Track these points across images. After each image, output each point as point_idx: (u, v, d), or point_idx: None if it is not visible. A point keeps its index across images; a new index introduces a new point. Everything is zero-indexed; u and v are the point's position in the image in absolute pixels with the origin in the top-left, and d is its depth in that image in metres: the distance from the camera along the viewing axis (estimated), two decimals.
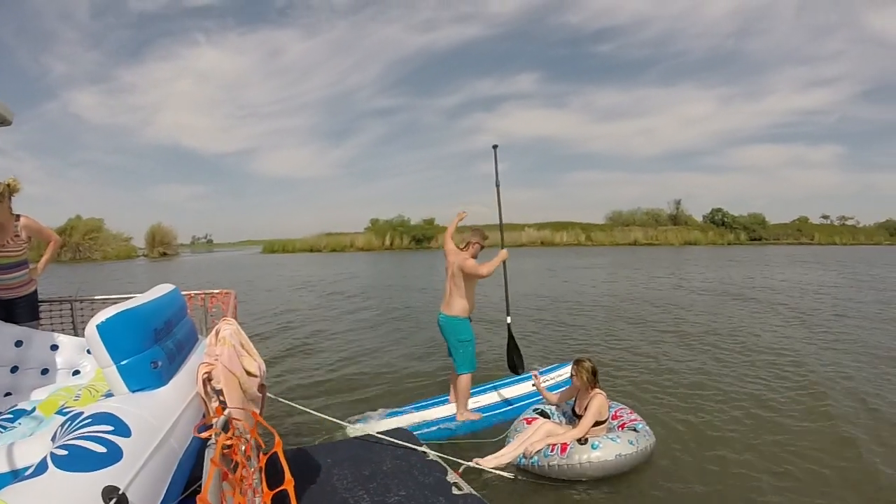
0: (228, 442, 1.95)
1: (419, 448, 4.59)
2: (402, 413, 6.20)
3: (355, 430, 5.03)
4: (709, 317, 13.52)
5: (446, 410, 6.27)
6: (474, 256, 6.08)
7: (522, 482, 4.66)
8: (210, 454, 2.00)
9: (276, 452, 2.15)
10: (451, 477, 4.10)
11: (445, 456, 4.55)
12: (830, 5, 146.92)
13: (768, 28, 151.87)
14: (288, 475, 2.00)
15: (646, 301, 16.69)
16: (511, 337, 6.49)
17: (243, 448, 2.16)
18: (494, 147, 6.85)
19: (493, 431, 5.76)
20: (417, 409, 6.34)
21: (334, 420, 5.25)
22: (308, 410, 5.40)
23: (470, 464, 4.63)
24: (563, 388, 5.78)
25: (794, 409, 6.42)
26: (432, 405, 6.43)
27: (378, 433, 4.85)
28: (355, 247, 71.10)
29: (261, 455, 2.23)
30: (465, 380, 6.00)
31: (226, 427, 2.16)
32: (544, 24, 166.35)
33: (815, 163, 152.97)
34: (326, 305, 16.49)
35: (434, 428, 5.81)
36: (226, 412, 2.31)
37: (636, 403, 6.39)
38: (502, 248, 6.19)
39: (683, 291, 19.47)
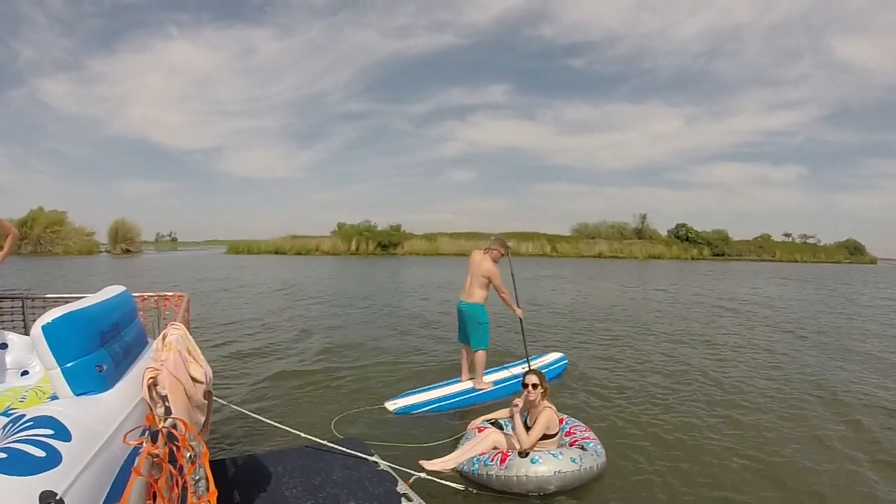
0: (156, 451, 1.93)
1: (370, 458, 4.59)
2: (420, 392, 7.31)
3: (307, 438, 5.00)
4: (678, 329, 13.82)
5: (461, 386, 7.51)
6: (495, 260, 7.38)
7: (472, 494, 4.63)
8: (135, 462, 1.99)
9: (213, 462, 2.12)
10: (401, 487, 4.10)
11: (396, 466, 4.54)
12: (799, 31, 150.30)
13: (736, 50, 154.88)
14: (212, 486, 1.99)
15: (613, 312, 16.92)
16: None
17: (176, 456, 2.14)
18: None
19: (447, 432, 5.91)
20: (436, 387, 7.49)
21: (286, 428, 5.20)
22: (260, 418, 5.36)
23: (420, 475, 4.63)
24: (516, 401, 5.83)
25: (763, 430, 6.42)
26: (450, 384, 7.61)
27: (329, 443, 4.84)
28: (321, 250, 70.96)
29: (188, 465, 2.21)
30: (481, 355, 7.39)
31: (155, 436, 2.14)
32: (518, 36, 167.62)
33: (779, 182, 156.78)
34: (288, 310, 16.31)
35: (457, 399, 7.12)
36: (166, 422, 2.29)
37: (598, 420, 6.43)
38: (518, 307, 7.57)
39: (650, 303, 19.77)
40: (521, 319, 7.59)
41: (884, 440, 6.15)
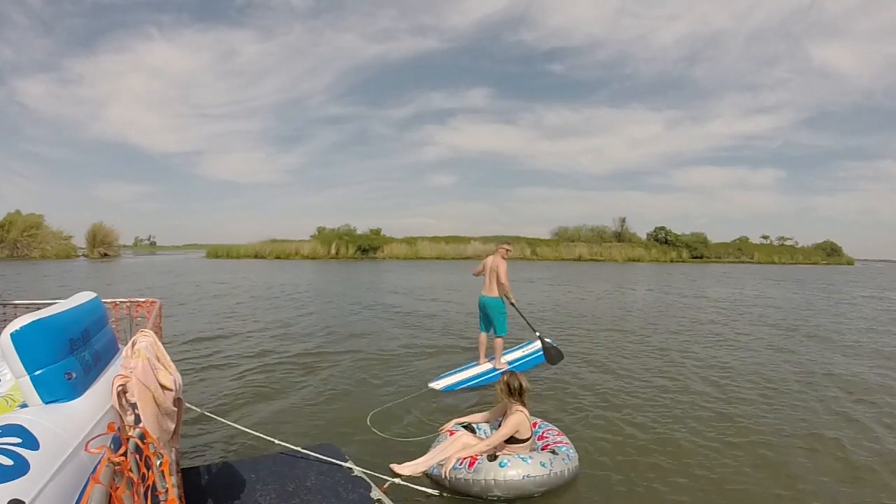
0: (117, 459, 1.93)
1: (344, 464, 4.59)
2: (455, 372, 8.64)
3: (281, 445, 4.98)
4: (657, 327, 13.86)
5: (481, 368, 8.79)
6: (504, 258, 8.77)
7: (447, 499, 4.64)
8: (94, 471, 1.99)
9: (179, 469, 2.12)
10: (375, 493, 4.12)
11: (370, 472, 4.55)
12: (777, 37, 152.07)
13: (716, 56, 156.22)
14: (171, 495, 1.98)
15: (592, 312, 17.01)
16: (542, 342, 9.11)
17: (137, 465, 2.13)
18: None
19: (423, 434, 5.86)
20: (461, 370, 8.76)
21: (261, 435, 5.19)
22: (235, 425, 5.35)
23: (395, 480, 4.62)
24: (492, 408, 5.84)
25: (746, 428, 6.48)
26: (471, 367, 8.90)
27: (303, 449, 4.83)
28: (300, 255, 70.63)
29: (150, 473, 2.21)
30: (500, 341, 8.83)
31: (118, 443, 2.14)
32: (499, 41, 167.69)
33: (757, 185, 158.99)
34: (265, 317, 16.17)
35: (484, 377, 8.42)
36: (133, 431, 2.29)
37: (574, 415, 6.49)
38: (512, 301, 8.84)
39: (629, 303, 19.79)
40: (513, 304, 8.84)
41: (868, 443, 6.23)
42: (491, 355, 9.06)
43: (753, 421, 6.79)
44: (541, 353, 9.58)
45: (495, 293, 8.76)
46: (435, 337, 12.61)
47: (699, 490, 4.93)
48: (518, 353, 9.86)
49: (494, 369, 8.66)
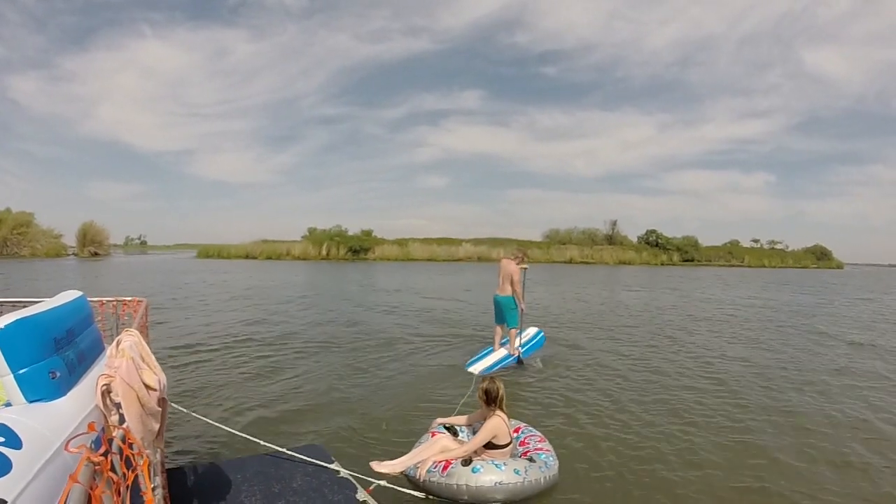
0: (97, 459, 1.93)
1: (330, 465, 4.59)
2: (481, 358, 10.10)
3: (267, 446, 4.98)
4: (646, 330, 13.80)
5: (500, 354, 10.24)
6: (518, 264, 10.19)
7: (433, 501, 4.63)
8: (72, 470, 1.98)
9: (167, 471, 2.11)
10: (361, 495, 4.12)
11: (356, 474, 4.54)
12: (769, 41, 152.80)
13: (708, 60, 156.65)
14: (149, 495, 1.98)
15: (583, 318, 17.04)
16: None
17: (118, 465, 2.12)
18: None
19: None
20: (485, 356, 10.22)
21: (247, 436, 5.18)
22: (221, 425, 5.34)
23: (381, 482, 4.61)
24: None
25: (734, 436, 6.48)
26: (490, 353, 10.35)
27: (290, 450, 4.82)
28: (291, 255, 70.37)
29: (129, 473, 2.20)
30: (514, 331, 10.28)
31: (99, 443, 2.14)
32: (493, 43, 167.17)
33: (748, 189, 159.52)
34: (255, 317, 16.12)
35: (506, 360, 10.03)
36: (115, 432, 2.28)
37: (562, 429, 6.47)
38: (522, 306, 10.29)
39: (620, 305, 19.79)
40: (522, 310, 10.22)
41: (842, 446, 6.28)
42: (504, 341, 10.51)
43: (748, 425, 6.85)
44: (536, 339, 11.25)
45: (507, 293, 10.14)
46: (441, 330, 14.14)
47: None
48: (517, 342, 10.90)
49: (510, 355, 10.19)
